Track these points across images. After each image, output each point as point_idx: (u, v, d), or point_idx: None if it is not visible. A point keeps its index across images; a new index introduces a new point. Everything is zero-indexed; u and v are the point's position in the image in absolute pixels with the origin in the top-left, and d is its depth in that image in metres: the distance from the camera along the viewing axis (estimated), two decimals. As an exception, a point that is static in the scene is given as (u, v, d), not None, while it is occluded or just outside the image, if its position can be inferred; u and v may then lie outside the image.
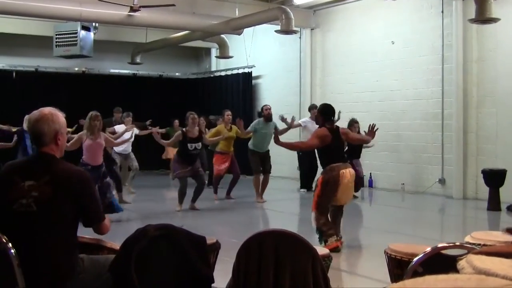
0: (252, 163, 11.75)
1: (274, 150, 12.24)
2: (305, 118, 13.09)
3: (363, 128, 13.71)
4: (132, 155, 12.75)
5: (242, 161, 12.54)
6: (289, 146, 7.99)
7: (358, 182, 11.87)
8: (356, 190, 11.96)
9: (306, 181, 13.13)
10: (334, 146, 7.31)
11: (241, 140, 12.24)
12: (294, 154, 13.30)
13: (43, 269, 3.29)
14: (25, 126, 12.53)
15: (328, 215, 7.34)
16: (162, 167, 17.54)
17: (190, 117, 10.45)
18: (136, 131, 12.54)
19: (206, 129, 13.15)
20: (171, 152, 16.08)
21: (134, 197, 12.49)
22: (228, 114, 12.13)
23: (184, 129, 10.52)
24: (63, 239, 3.37)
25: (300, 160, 13.25)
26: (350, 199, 7.56)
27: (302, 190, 13.17)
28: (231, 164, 11.98)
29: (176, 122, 15.53)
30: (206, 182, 11.51)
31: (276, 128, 11.14)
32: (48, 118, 3.51)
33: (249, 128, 11.69)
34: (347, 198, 7.44)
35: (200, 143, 10.51)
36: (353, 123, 11.64)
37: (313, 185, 10.07)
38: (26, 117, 12.65)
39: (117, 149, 12.45)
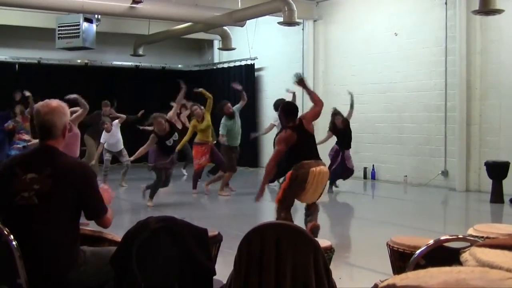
0: (228, 160, 11.62)
1: (265, 142, 12.31)
2: (275, 121, 12.76)
3: (365, 120, 13.72)
4: (124, 152, 12.73)
5: (245, 152, 12.52)
6: (267, 178, 7.46)
7: (347, 172, 11.90)
8: (345, 178, 12.08)
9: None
10: (301, 143, 6.96)
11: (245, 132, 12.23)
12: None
13: (44, 261, 3.29)
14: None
15: (290, 211, 7.08)
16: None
17: (155, 121, 10.21)
18: (115, 123, 12.53)
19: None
20: None
21: (127, 190, 12.49)
22: (195, 109, 12.01)
23: (154, 130, 10.27)
24: (64, 231, 3.37)
25: None
26: (315, 198, 7.17)
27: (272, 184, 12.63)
28: (211, 154, 11.73)
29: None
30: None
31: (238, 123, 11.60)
32: (59, 110, 3.51)
33: (221, 131, 11.66)
34: (313, 197, 7.10)
35: (175, 133, 10.33)
36: (336, 115, 11.64)
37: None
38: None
39: (106, 146, 12.47)
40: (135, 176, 14.72)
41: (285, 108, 7.34)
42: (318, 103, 7.27)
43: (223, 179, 11.74)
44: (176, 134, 10.39)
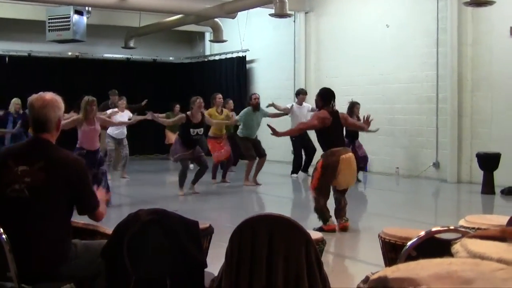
0: (245, 150, 11.79)
1: (267, 135, 12.21)
2: (293, 103, 12.92)
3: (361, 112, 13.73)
4: (125, 142, 12.64)
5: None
6: (290, 132, 8.08)
7: (365, 163, 11.99)
8: (363, 170, 12.18)
9: (298, 166, 13.14)
10: (333, 129, 7.37)
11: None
12: (287, 138, 13.30)
13: (35, 254, 3.28)
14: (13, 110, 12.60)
15: (332, 198, 7.51)
16: (157, 151, 17.57)
17: (197, 101, 10.24)
18: (130, 114, 12.43)
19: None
20: (171, 137, 16.14)
21: (128, 182, 12.50)
22: (219, 97, 12.07)
23: (188, 113, 10.33)
24: (55, 225, 3.36)
25: (293, 145, 13.19)
26: (350, 184, 7.60)
27: (293, 175, 13.10)
28: (228, 151, 11.94)
29: (177, 106, 15.45)
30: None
31: (265, 114, 11.71)
32: (54, 104, 3.49)
33: (238, 117, 11.79)
34: (347, 182, 7.48)
35: (202, 129, 10.40)
36: (354, 105, 11.65)
37: (311, 169, 10.16)
38: (14, 100, 12.70)
39: (111, 132, 12.41)
40: (138, 168, 14.76)
41: (323, 92, 7.67)
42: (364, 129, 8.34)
43: (246, 172, 11.91)
44: (202, 129, 10.42)
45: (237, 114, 12.11)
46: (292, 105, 12.65)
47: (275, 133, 7.70)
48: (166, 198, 10.27)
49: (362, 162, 11.91)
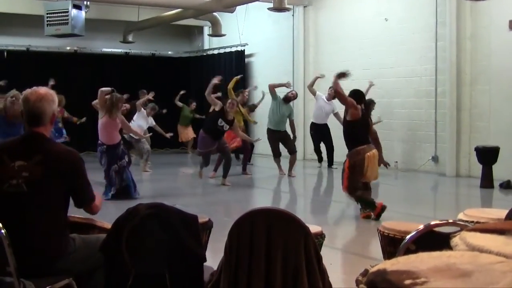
0: (271, 146, 12.17)
1: (259, 130, 12.27)
2: (322, 94, 13.34)
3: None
4: (142, 140, 12.70)
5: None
6: (339, 88, 7.92)
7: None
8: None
9: (320, 156, 13.74)
10: (362, 125, 7.74)
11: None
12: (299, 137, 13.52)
13: (33, 249, 3.28)
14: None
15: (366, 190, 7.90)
16: (167, 146, 17.68)
17: (233, 102, 10.67)
18: (152, 122, 12.75)
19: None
20: (184, 135, 16.40)
21: (149, 176, 12.64)
22: (246, 94, 12.83)
23: (224, 107, 10.60)
24: (53, 219, 3.36)
25: (312, 138, 13.84)
26: (377, 177, 8.12)
27: (319, 165, 13.77)
28: (242, 140, 12.16)
29: (193, 104, 15.94)
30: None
31: (291, 111, 12.19)
32: (48, 98, 3.49)
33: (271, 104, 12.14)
34: (375, 176, 7.95)
35: (228, 126, 10.67)
36: (371, 103, 11.67)
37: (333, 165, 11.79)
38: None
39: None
40: (163, 161, 14.90)
41: (355, 92, 7.99)
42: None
43: (277, 165, 12.29)
44: (228, 126, 10.71)
45: (240, 110, 12.23)
46: (320, 95, 13.29)
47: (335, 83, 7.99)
48: (165, 192, 10.28)
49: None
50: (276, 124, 12.02)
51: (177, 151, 17.80)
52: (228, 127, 10.72)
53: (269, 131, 12.12)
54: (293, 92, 12.51)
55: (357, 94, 7.92)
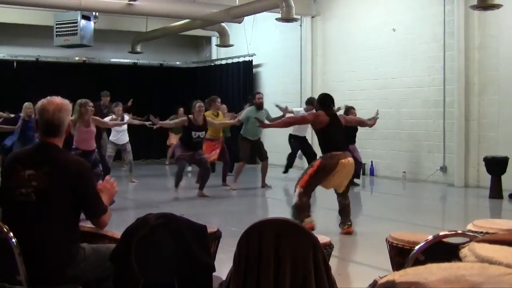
0: (241, 151, 11.82)
1: (270, 139, 12.24)
2: (300, 108, 12.82)
3: (365, 116, 13.71)
4: (129, 148, 12.60)
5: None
6: (278, 124, 8.16)
7: (358, 168, 11.86)
8: (357, 176, 12.01)
9: (290, 166, 13.17)
10: (333, 131, 7.36)
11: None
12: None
13: (43, 258, 3.30)
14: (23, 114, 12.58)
15: (307, 199, 7.41)
16: (163, 156, 17.59)
17: (197, 105, 10.48)
18: (126, 117, 12.42)
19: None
20: (173, 139, 16.16)
21: (135, 186, 12.52)
22: (219, 101, 12.11)
23: (190, 116, 10.51)
24: (62, 228, 3.37)
25: (291, 146, 13.03)
26: (338, 188, 7.56)
27: (284, 174, 13.10)
28: (221, 152, 11.95)
29: (181, 110, 15.56)
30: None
31: (268, 115, 11.47)
32: (66, 108, 3.52)
33: (241, 116, 11.84)
34: (336, 186, 7.50)
35: (203, 132, 10.58)
36: (350, 109, 11.61)
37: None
38: (26, 104, 12.67)
39: (112, 138, 12.47)
40: (147, 173, 14.80)
41: (321, 97, 7.80)
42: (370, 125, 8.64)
43: (236, 174, 12.00)
44: (204, 132, 10.59)
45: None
46: (298, 111, 12.53)
47: (261, 124, 8.06)
48: (174, 202, 10.30)
49: (357, 167, 11.84)
50: (255, 134, 11.72)
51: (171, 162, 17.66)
52: (204, 133, 10.58)
53: (245, 140, 11.79)
54: (259, 95, 12.03)
55: (323, 100, 7.66)
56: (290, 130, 12.20)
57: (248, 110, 11.92)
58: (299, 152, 13.10)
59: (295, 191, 7.40)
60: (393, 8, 13.55)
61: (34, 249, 3.28)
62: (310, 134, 12.32)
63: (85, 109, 9.01)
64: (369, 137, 13.51)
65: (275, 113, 11.73)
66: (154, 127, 12.10)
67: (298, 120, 8.66)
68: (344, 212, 7.60)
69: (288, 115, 11.31)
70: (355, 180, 12.01)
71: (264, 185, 11.92)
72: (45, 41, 15.65)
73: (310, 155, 12.46)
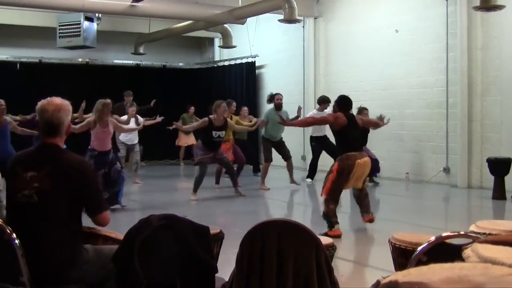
0: (264, 151, 12.08)
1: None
2: (314, 110, 12.77)
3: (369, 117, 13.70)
4: (137, 148, 12.69)
5: (248, 151, 12.56)
6: (299, 123, 8.35)
7: (376, 165, 11.95)
8: (377, 171, 12.51)
9: (313, 171, 13.01)
10: (350, 132, 7.52)
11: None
12: (298, 144, 13.28)
13: (46, 259, 3.30)
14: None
15: (337, 200, 7.59)
16: (167, 157, 17.62)
17: (222, 105, 10.53)
18: (140, 119, 12.47)
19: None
20: (184, 140, 16.21)
21: (139, 188, 12.52)
22: (234, 105, 12.43)
23: (210, 116, 10.52)
24: (65, 229, 3.38)
25: (313, 150, 13.05)
26: (357, 186, 7.76)
27: (308, 180, 12.99)
28: (234, 152, 12.09)
29: (192, 108, 15.76)
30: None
31: (287, 116, 11.44)
32: (66, 108, 3.53)
33: (262, 117, 12.15)
34: (356, 184, 7.68)
35: (224, 132, 10.62)
36: (362, 110, 11.60)
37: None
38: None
39: (122, 138, 12.50)
40: (152, 174, 14.83)
41: (340, 99, 7.85)
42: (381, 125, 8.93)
43: (262, 175, 12.14)
44: (224, 132, 10.63)
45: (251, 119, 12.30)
46: (312, 114, 12.42)
47: (282, 122, 8.36)
48: (177, 203, 10.30)
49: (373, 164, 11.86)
50: (276, 134, 11.97)
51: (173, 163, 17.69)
52: (224, 133, 10.64)
53: (267, 140, 12.06)
54: (278, 96, 12.13)
55: (341, 102, 7.79)
56: (300, 133, 12.26)
57: (268, 111, 12.12)
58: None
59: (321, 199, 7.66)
60: (395, 9, 13.53)
61: (37, 250, 3.29)
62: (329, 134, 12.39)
63: (107, 110, 9.11)
64: (372, 138, 13.49)
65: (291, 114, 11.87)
66: (171, 128, 12.37)
67: (318, 120, 8.86)
68: (364, 202, 7.82)
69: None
70: (374, 179, 12.52)
71: (292, 181, 12.21)
72: (48, 43, 15.68)
73: (334, 152, 12.43)
